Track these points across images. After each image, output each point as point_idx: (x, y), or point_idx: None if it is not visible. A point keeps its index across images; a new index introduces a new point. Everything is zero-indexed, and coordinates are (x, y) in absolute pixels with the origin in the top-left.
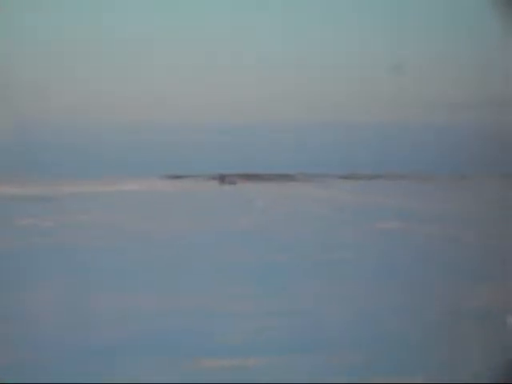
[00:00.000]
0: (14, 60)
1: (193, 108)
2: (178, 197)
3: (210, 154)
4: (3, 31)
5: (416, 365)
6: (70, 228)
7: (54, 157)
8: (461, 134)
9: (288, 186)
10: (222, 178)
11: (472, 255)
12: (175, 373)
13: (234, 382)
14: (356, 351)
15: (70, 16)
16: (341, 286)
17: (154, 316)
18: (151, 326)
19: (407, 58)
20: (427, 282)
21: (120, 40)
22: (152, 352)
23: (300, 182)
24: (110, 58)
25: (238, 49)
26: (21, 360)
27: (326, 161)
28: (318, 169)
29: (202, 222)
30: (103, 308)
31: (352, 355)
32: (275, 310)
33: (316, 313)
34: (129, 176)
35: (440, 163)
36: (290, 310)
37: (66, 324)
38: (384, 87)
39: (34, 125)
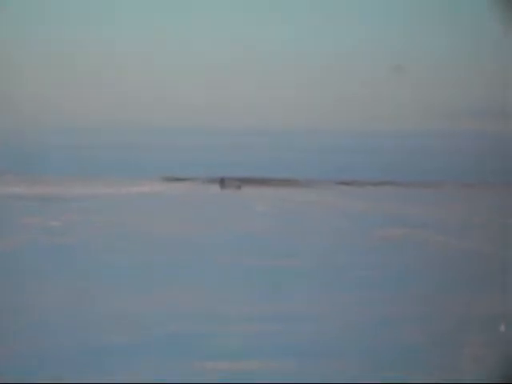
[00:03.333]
0: (15, 60)
1: (195, 110)
2: (177, 200)
3: (212, 156)
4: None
5: (417, 371)
6: (73, 228)
7: (58, 158)
8: (463, 142)
9: (290, 191)
10: (223, 182)
11: (474, 263)
12: (174, 375)
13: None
14: (356, 358)
15: (71, 18)
16: (342, 292)
17: (153, 319)
18: (150, 328)
19: (407, 59)
20: (430, 289)
21: (120, 40)
22: (151, 354)
23: (303, 188)
24: (111, 59)
25: (237, 50)
26: (23, 357)
27: (329, 167)
28: (321, 175)
29: (199, 225)
30: (104, 309)
31: (352, 362)
32: (274, 315)
33: (316, 319)
34: (131, 178)
35: (444, 171)
36: (289, 315)
37: (68, 324)
38: (387, 93)
39: (39, 126)
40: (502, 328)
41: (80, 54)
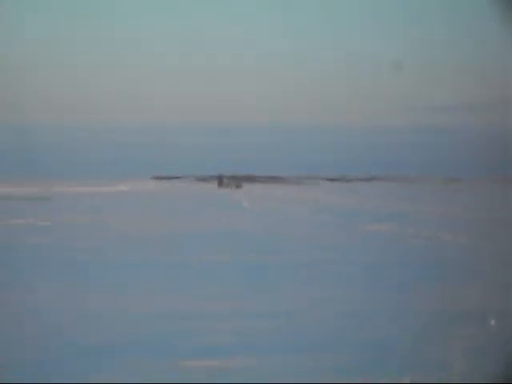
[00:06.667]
0: (12, 61)
1: (189, 109)
2: (170, 198)
3: (206, 155)
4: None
5: (402, 366)
6: (65, 228)
7: (50, 158)
8: (457, 137)
9: (280, 188)
10: (221, 180)
11: (460, 257)
12: (159, 374)
13: (220, 383)
14: (341, 352)
15: (70, 18)
16: (328, 287)
17: (140, 317)
18: (138, 327)
19: (407, 58)
20: (417, 283)
21: (119, 41)
22: (136, 353)
23: (292, 185)
24: (109, 60)
25: (237, 49)
26: (18, 360)
27: (318, 163)
28: (310, 171)
29: (189, 222)
30: (92, 308)
31: (337, 356)
32: (263, 311)
33: (303, 314)
34: (123, 177)
35: (434, 166)
36: (273, 311)
37: (56, 322)
38: (379, 90)
39: (32, 126)
40: (493, 322)
41: (79, 54)
